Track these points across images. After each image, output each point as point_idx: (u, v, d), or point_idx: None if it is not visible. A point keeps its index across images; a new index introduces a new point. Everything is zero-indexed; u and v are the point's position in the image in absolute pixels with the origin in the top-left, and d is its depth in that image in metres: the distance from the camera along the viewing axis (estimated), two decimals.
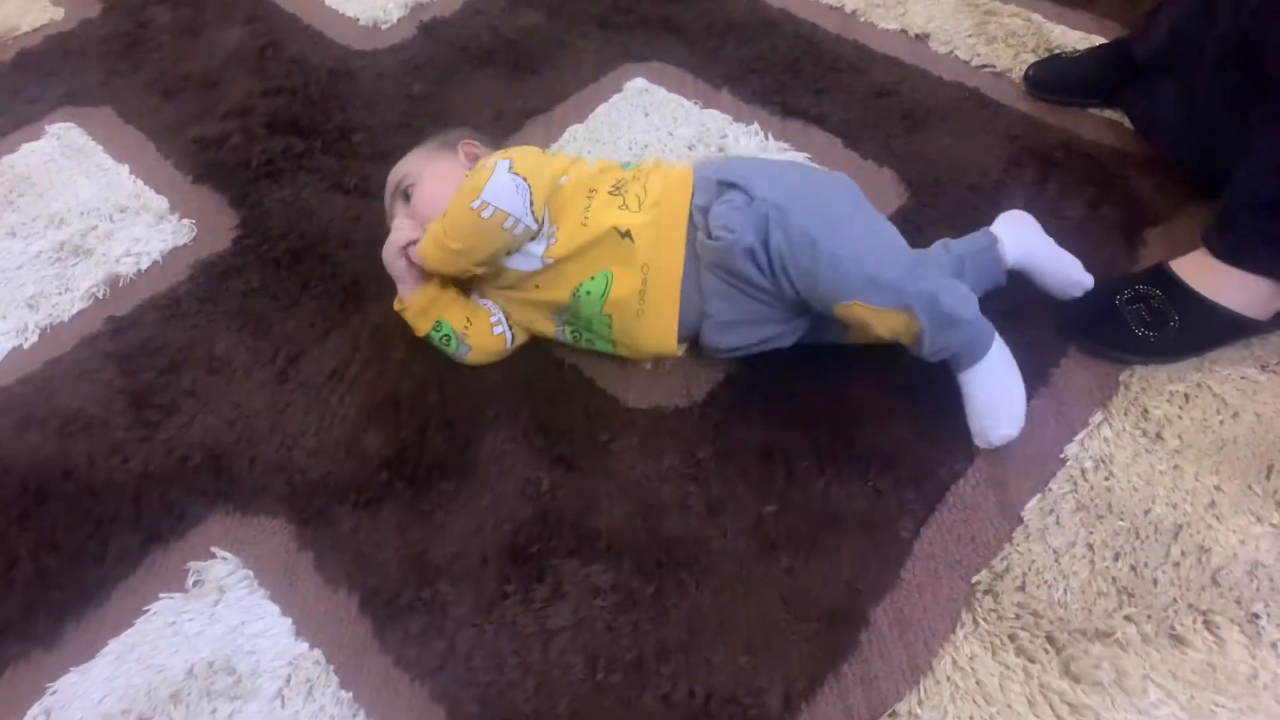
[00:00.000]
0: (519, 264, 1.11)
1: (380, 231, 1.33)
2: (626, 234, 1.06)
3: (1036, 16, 1.57)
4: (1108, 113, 1.40)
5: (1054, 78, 1.43)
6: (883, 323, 0.99)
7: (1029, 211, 1.23)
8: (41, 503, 1.09)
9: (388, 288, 1.27)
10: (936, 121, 1.42)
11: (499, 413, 1.13)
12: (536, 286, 1.11)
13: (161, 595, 1.01)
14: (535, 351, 1.19)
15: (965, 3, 1.61)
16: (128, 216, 1.41)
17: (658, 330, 1.09)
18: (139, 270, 1.34)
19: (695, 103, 1.50)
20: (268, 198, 1.42)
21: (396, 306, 1.17)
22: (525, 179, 1.06)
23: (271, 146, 1.50)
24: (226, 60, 1.68)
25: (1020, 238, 1.13)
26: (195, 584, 1.01)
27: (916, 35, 1.57)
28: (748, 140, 1.42)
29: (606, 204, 1.10)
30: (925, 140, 1.39)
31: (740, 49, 1.58)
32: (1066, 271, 1.12)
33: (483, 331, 1.15)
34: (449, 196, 1.09)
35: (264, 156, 1.48)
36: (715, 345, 1.11)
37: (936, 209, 1.29)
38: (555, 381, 1.16)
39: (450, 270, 1.11)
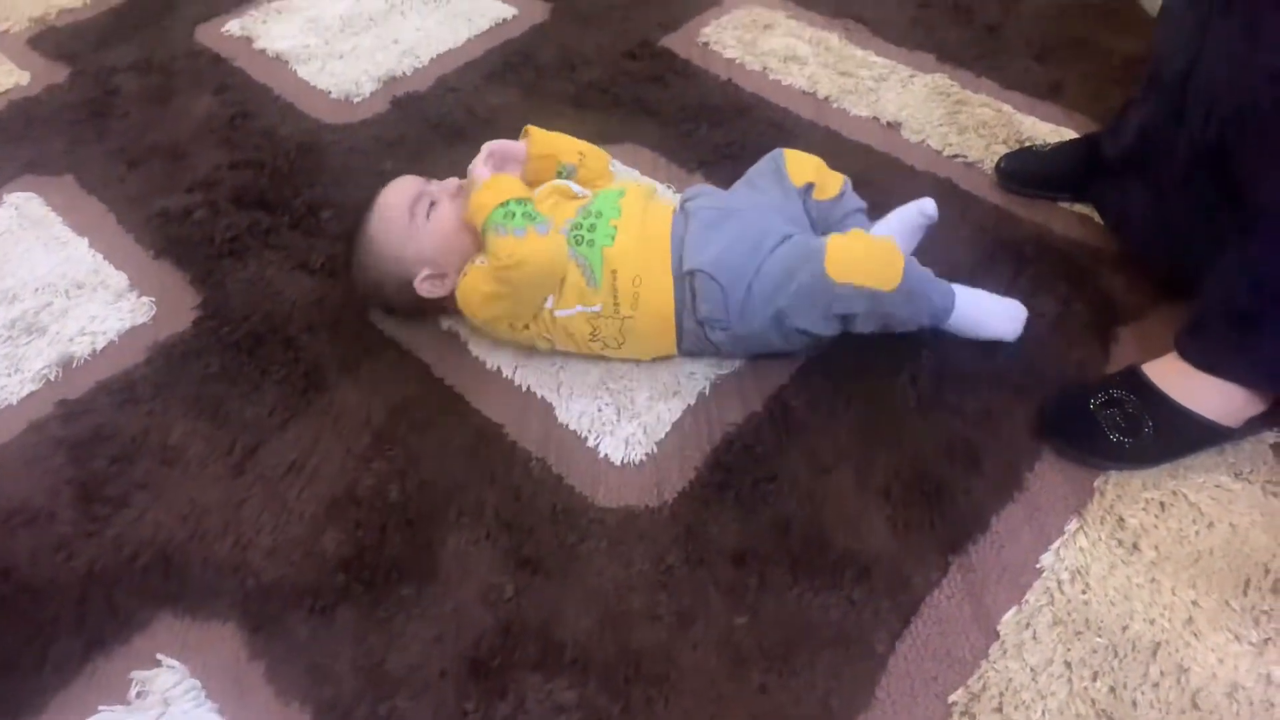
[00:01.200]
0: None
1: (346, 314, 1.32)
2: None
3: (1007, 107, 1.59)
4: (1078, 207, 1.40)
5: (1025, 170, 1.44)
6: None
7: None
8: None
9: (351, 373, 1.25)
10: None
11: (463, 510, 1.10)
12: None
13: (101, 707, 0.96)
14: (500, 446, 1.16)
15: (936, 92, 1.63)
16: (85, 293, 1.37)
17: (659, 217, 1.19)
18: (94, 351, 1.30)
19: (669, 186, 1.49)
20: (231, 276, 1.38)
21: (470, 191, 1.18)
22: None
23: (237, 222, 1.47)
24: (195, 130, 1.65)
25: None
26: (139, 695, 0.97)
27: (888, 123, 1.57)
28: None
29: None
30: None
31: (714, 132, 1.58)
32: (1001, 311, 1.22)
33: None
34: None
35: (229, 232, 1.45)
36: (702, 261, 1.14)
37: None
38: (521, 476, 1.13)
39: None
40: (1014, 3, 1.82)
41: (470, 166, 1.21)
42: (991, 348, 1.22)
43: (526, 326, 1.19)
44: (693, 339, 1.19)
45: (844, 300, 1.11)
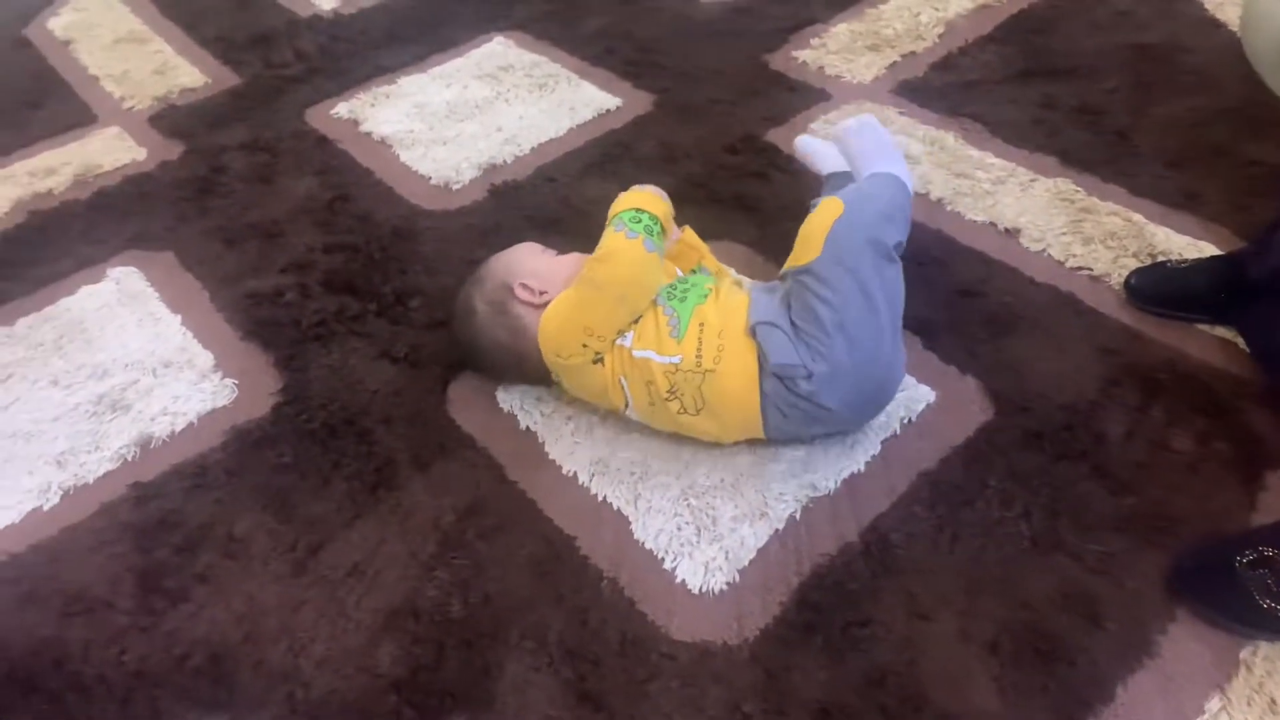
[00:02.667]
0: None
1: (425, 406, 1.28)
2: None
3: (1138, 217, 1.47)
4: (1219, 331, 1.27)
5: (1158, 288, 1.32)
6: None
7: (1131, 441, 1.13)
8: (27, 694, 1.02)
9: (424, 470, 1.20)
10: (1027, 328, 1.31)
11: (525, 633, 1.02)
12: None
13: None
14: (570, 561, 1.08)
15: (1059, 197, 1.52)
16: (171, 372, 1.37)
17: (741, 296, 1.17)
18: (173, 432, 1.28)
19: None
20: (314, 362, 1.36)
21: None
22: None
23: (325, 306, 1.45)
24: (294, 211, 1.66)
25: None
26: None
27: (1006, 229, 1.47)
28: None
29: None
30: (1014, 348, 1.28)
31: None
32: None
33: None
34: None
35: (316, 316, 1.43)
36: (758, 317, 1.12)
37: (1024, 429, 1.18)
38: (590, 598, 1.05)
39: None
40: (1145, 106, 1.71)
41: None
42: (1119, 485, 1.10)
43: (600, 360, 1.14)
44: (780, 404, 1.10)
45: (842, 252, 1.12)
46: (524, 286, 1.20)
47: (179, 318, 1.46)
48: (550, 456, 1.20)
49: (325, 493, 1.19)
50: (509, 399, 1.28)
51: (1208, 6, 1.96)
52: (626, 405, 1.17)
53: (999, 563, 1.05)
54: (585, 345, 1.14)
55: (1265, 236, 1.22)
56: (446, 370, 1.33)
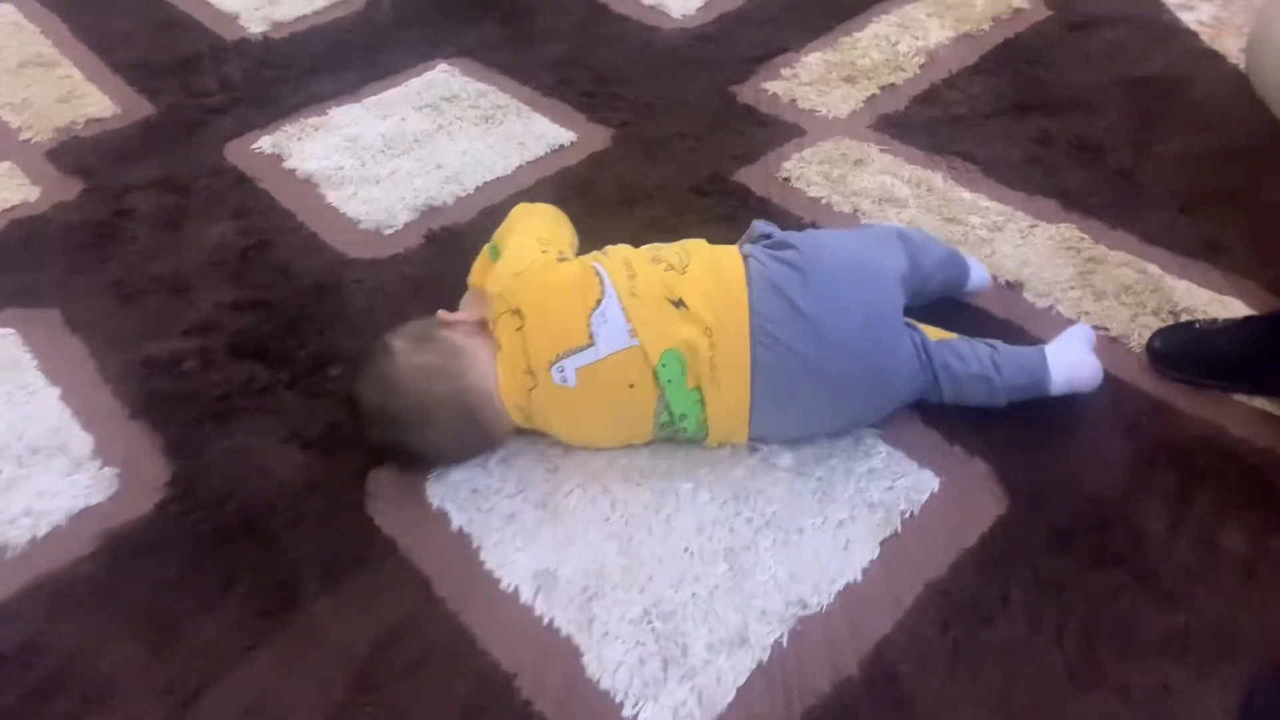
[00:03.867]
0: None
1: (342, 502, 1.09)
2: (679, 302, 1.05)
3: (1153, 268, 1.31)
4: (1259, 401, 1.11)
5: (1186, 352, 1.16)
6: None
7: (1174, 541, 0.96)
8: None
9: (335, 586, 1.00)
10: (1039, 399, 1.14)
11: None
12: (631, 385, 1.04)
13: None
14: (508, 708, 0.89)
15: (1064, 245, 1.36)
16: (39, 460, 1.15)
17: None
18: (34, 538, 1.07)
19: None
20: (210, 446, 1.16)
21: None
22: None
23: (230, 376, 1.25)
24: (203, 262, 1.46)
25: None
26: None
27: (1008, 283, 1.31)
28: None
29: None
30: (1027, 425, 1.11)
31: None
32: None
33: None
34: None
35: (218, 390, 1.23)
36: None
37: (1048, 526, 1.00)
38: None
39: None
40: (1148, 144, 1.55)
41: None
42: (1165, 597, 0.93)
43: (566, 258, 1.15)
44: (760, 256, 1.08)
45: None
46: (446, 315, 1.14)
47: (58, 391, 1.25)
48: (486, 566, 1.01)
49: (215, 616, 0.98)
50: (439, 492, 1.08)
51: (1204, 37, 1.82)
52: (602, 297, 1.04)
53: (1030, 698, 0.87)
54: (544, 251, 1.13)
55: None
56: (366, 456, 1.13)
